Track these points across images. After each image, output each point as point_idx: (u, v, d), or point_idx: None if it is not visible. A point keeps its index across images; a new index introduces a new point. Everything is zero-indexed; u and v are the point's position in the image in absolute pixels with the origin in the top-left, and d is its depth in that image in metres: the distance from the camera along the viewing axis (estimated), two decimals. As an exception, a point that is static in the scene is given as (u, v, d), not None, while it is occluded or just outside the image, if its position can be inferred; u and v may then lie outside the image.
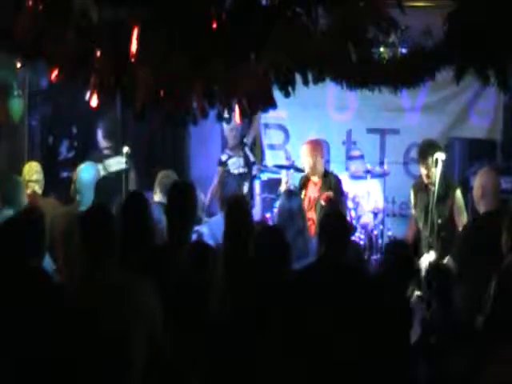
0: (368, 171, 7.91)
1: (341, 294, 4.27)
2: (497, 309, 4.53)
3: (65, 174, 8.37)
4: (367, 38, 4.67)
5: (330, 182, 7.28)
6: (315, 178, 7.36)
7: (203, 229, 5.49)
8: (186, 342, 3.90)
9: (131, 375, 3.52)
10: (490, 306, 4.58)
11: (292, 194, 5.90)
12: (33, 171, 6.62)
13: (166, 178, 6.49)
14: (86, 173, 6.25)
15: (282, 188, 7.42)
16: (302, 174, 7.53)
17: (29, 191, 6.38)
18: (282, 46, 4.48)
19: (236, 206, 4.84)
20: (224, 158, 8.16)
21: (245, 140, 8.25)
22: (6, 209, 5.66)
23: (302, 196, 6.99)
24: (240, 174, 7.83)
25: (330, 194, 7.02)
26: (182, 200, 4.46)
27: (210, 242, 5.38)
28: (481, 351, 4.30)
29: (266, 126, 9.17)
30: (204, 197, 6.46)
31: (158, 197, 6.44)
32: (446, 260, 5.81)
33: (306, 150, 7.41)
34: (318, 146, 7.51)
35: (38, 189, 6.58)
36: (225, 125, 7.90)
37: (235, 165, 8.00)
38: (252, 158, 8.23)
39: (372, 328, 4.21)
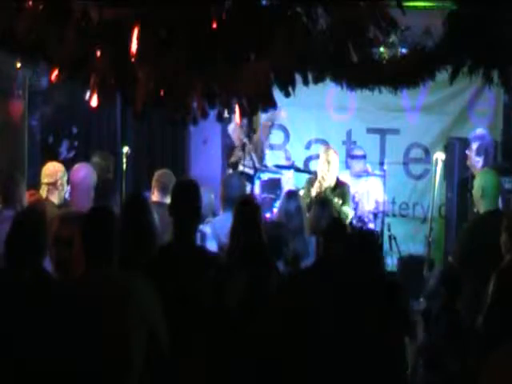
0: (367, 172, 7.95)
1: (341, 294, 4.27)
2: (495, 308, 4.53)
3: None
4: (367, 38, 4.67)
5: None
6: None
7: (206, 229, 5.46)
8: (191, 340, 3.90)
9: (131, 374, 3.52)
10: (488, 306, 4.58)
11: (291, 194, 5.90)
12: (44, 173, 6.47)
13: (163, 176, 6.25)
14: (78, 173, 6.23)
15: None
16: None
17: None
18: (282, 45, 4.48)
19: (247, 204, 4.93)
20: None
21: (245, 140, 8.23)
22: (6, 209, 5.64)
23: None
24: (244, 173, 7.82)
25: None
26: (189, 198, 4.40)
27: (213, 242, 5.38)
28: (480, 351, 4.30)
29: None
30: (214, 197, 6.33)
31: (155, 197, 6.15)
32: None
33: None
34: None
35: (47, 192, 6.44)
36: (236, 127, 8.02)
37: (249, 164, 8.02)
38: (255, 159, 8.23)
39: (373, 325, 4.20)
